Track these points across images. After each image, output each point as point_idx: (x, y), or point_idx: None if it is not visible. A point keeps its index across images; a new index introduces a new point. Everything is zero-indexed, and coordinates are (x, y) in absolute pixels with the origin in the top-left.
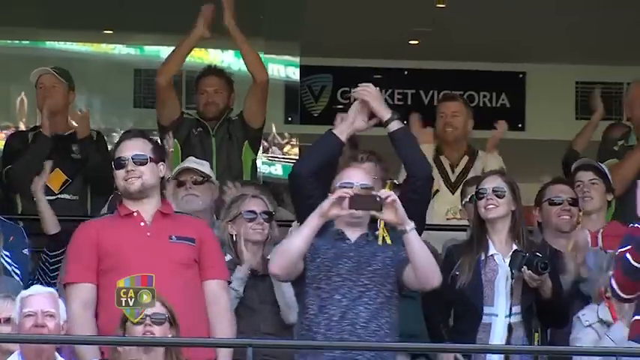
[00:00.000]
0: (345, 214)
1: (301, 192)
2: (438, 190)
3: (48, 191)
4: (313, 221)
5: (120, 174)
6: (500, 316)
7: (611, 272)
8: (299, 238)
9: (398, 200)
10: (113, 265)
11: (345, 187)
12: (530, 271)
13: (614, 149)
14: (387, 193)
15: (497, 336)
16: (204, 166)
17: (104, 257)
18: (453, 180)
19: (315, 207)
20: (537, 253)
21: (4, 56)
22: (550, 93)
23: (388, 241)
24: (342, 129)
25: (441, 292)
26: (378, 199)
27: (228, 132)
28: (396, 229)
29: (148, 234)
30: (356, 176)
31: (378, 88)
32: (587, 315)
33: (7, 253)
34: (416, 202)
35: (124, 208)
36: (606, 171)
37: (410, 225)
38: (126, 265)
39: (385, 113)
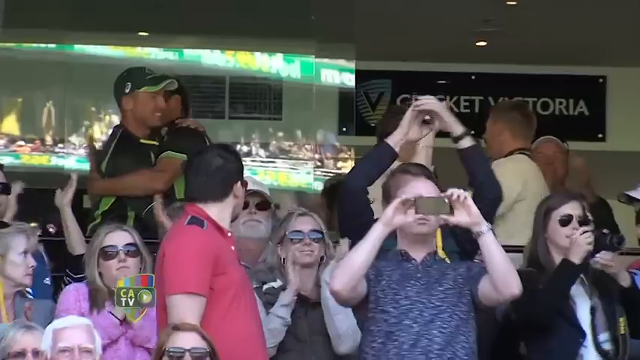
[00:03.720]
0: (412, 220)
1: (353, 208)
2: None
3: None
4: (377, 231)
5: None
6: (589, 347)
7: None
8: (362, 252)
9: (470, 198)
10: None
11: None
12: (602, 255)
13: None
14: (457, 192)
15: None
16: (264, 188)
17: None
18: None
19: (368, 224)
20: (604, 231)
21: (27, 62)
22: (633, 99)
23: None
24: (397, 139)
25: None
26: (446, 200)
27: None
28: (468, 235)
29: None
30: (423, 188)
31: (444, 102)
32: None
33: (30, 290)
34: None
35: None
36: None
37: (486, 225)
38: None
39: (457, 127)
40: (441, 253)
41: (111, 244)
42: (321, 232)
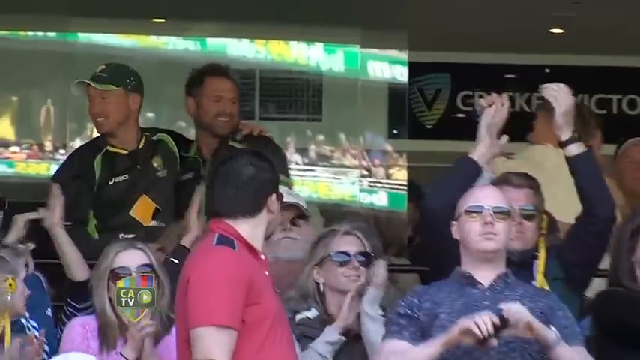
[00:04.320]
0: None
1: (435, 231)
2: None
3: (136, 225)
4: (436, 347)
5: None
6: None
7: None
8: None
9: (533, 320)
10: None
11: (473, 211)
12: None
13: None
14: (519, 314)
15: None
16: (301, 200)
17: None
18: None
19: (453, 251)
20: None
21: (22, 53)
22: None
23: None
24: (481, 152)
25: None
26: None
27: None
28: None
29: None
30: (488, 198)
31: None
32: None
33: (33, 322)
34: (591, 248)
35: None
36: None
37: (553, 336)
38: None
39: (565, 133)
40: (540, 281)
41: (122, 265)
42: (369, 255)
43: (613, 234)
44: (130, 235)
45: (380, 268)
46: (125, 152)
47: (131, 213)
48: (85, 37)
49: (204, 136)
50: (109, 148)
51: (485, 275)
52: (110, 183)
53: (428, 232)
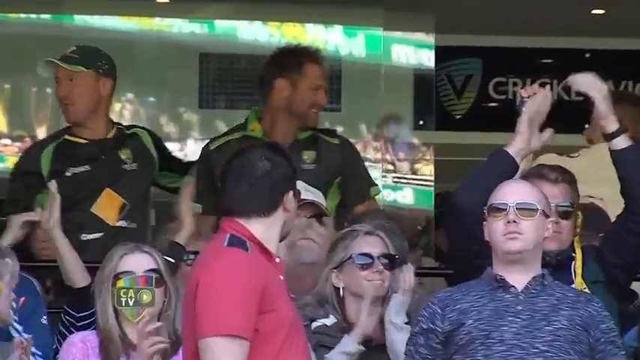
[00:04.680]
0: None
1: (463, 231)
2: None
3: (101, 224)
4: None
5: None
6: None
7: None
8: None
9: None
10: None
11: (497, 208)
12: None
13: None
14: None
15: None
16: (319, 197)
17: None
18: None
19: (485, 255)
20: None
21: (14, 37)
22: None
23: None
24: (518, 147)
25: None
26: None
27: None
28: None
29: None
30: (513, 194)
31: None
32: None
33: (19, 327)
34: (634, 248)
35: None
36: None
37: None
38: None
39: (612, 123)
40: (578, 284)
41: (127, 270)
42: (393, 258)
43: None
44: (97, 235)
45: (407, 273)
46: (85, 141)
47: (93, 209)
48: (81, 19)
49: (284, 124)
50: (66, 136)
51: (519, 278)
52: (67, 174)
53: (456, 233)
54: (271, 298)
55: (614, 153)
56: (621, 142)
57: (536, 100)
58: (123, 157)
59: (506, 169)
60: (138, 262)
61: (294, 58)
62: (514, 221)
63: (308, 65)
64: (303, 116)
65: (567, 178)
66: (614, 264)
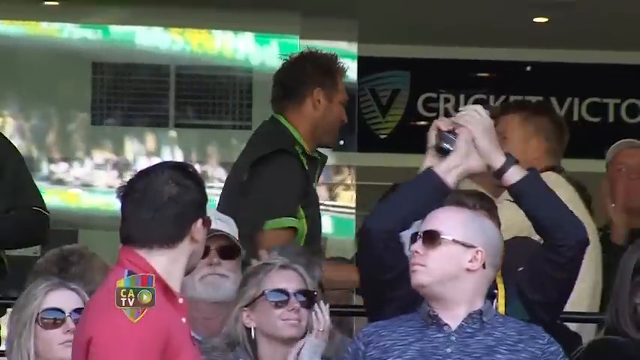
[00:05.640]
0: None
1: (373, 258)
2: None
3: None
4: None
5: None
6: None
7: None
8: None
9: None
10: None
11: (415, 237)
12: None
13: None
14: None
15: None
16: (230, 226)
17: None
18: None
19: (399, 285)
20: None
21: None
22: None
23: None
24: (449, 165)
25: None
26: None
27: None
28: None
29: None
30: (430, 221)
31: (488, 112)
32: None
33: None
34: (559, 283)
35: None
36: None
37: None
38: None
39: (497, 158)
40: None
41: (54, 307)
42: (312, 294)
43: (619, 267)
44: None
45: (321, 312)
46: None
47: None
48: None
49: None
50: None
51: (456, 314)
52: None
53: (366, 261)
54: (172, 352)
55: (510, 189)
56: (514, 176)
57: (467, 128)
58: None
59: (429, 190)
60: (66, 299)
61: (331, 67)
62: (417, 252)
63: (338, 77)
64: (329, 132)
65: (486, 205)
66: (534, 300)
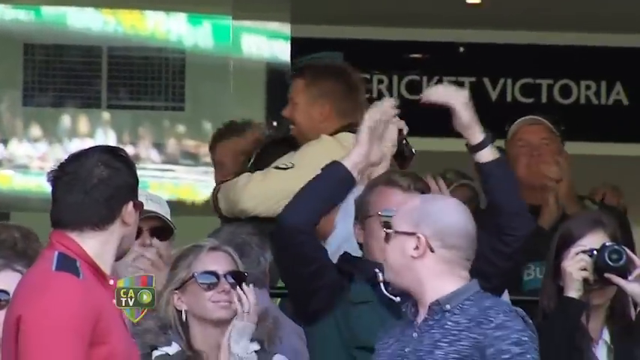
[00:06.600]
0: None
1: (297, 253)
2: None
3: None
4: None
5: None
6: None
7: None
8: None
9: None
10: None
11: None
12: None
13: None
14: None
15: None
16: (163, 207)
17: None
18: None
19: (322, 273)
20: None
21: None
22: None
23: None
24: (356, 160)
25: None
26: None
27: None
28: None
29: None
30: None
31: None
32: None
33: None
34: (502, 272)
35: None
36: None
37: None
38: None
39: (477, 134)
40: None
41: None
42: (243, 276)
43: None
44: None
45: (246, 294)
46: None
47: None
48: None
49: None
50: None
51: (425, 306)
52: None
53: (287, 256)
54: (103, 331)
55: (480, 165)
56: (487, 155)
57: (380, 108)
58: None
59: (339, 183)
60: (9, 280)
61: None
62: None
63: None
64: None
65: (420, 186)
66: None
